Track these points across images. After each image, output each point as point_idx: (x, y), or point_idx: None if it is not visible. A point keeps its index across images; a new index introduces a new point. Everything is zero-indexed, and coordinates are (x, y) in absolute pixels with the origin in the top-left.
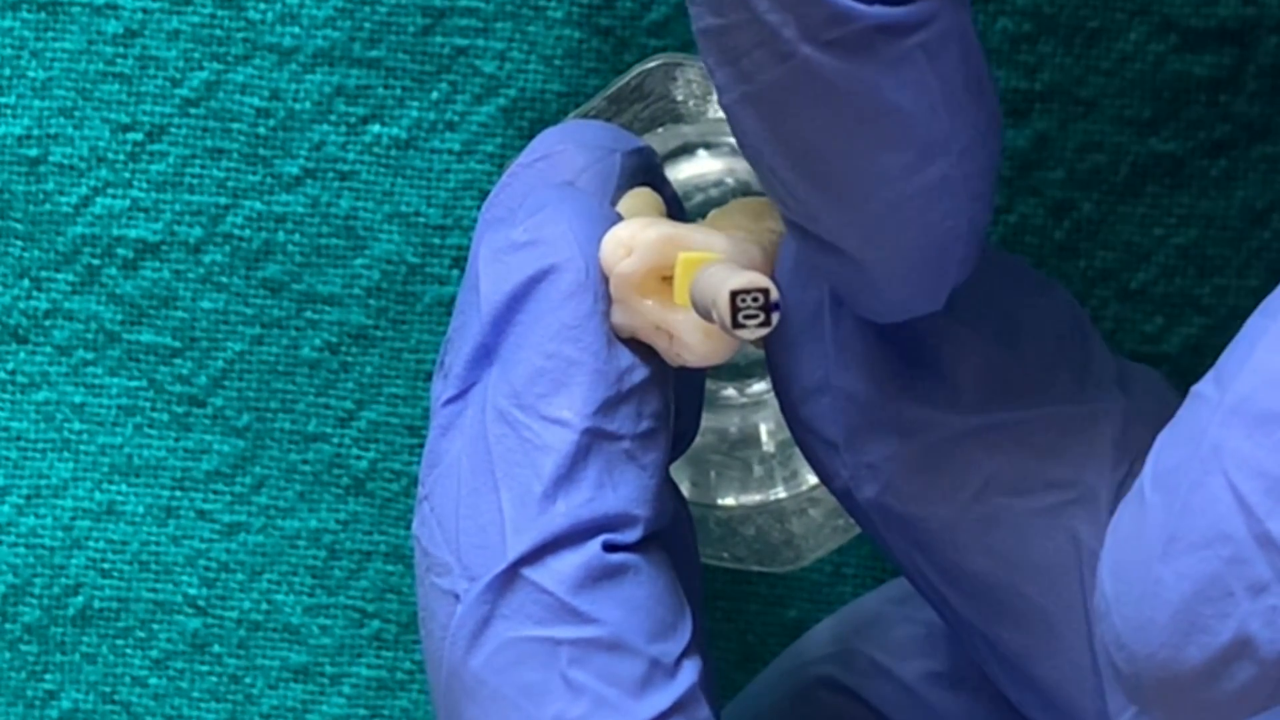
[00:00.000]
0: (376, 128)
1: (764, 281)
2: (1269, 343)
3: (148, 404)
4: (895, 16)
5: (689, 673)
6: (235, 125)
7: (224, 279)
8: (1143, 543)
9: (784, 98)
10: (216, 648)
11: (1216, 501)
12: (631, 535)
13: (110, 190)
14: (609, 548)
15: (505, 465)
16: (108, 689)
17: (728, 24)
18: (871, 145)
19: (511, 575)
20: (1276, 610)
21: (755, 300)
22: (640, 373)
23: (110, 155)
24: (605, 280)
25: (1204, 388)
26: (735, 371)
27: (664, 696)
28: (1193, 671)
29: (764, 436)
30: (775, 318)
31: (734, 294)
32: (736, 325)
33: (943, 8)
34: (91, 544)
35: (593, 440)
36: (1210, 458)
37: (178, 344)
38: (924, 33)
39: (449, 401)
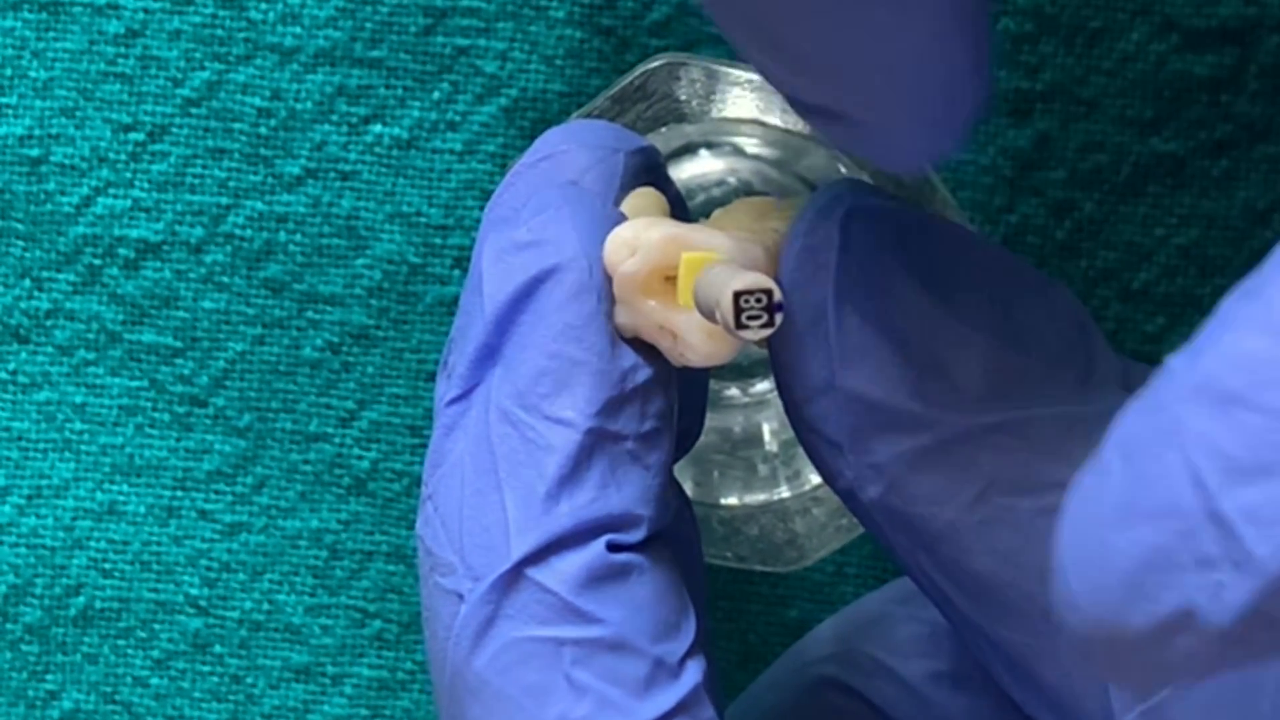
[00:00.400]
0: (378, 128)
1: (767, 282)
2: (1241, 325)
3: (149, 404)
4: None
5: (693, 672)
6: (237, 125)
7: (225, 279)
8: (1100, 506)
9: None
10: (218, 648)
11: (1172, 475)
12: (635, 535)
13: (112, 190)
14: (612, 548)
15: (509, 465)
16: (109, 689)
17: None
18: (845, 21)
19: (515, 575)
20: (1221, 585)
21: (758, 301)
22: (643, 373)
23: (112, 155)
24: (609, 280)
25: (1176, 362)
26: (738, 371)
27: (668, 696)
28: (1138, 636)
29: (767, 436)
30: (778, 318)
31: (737, 295)
32: (739, 326)
33: None
34: (93, 544)
35: (596, 440)
36: (1171, 432)
37: (179, 344)
38: None
39: (453, 401)
